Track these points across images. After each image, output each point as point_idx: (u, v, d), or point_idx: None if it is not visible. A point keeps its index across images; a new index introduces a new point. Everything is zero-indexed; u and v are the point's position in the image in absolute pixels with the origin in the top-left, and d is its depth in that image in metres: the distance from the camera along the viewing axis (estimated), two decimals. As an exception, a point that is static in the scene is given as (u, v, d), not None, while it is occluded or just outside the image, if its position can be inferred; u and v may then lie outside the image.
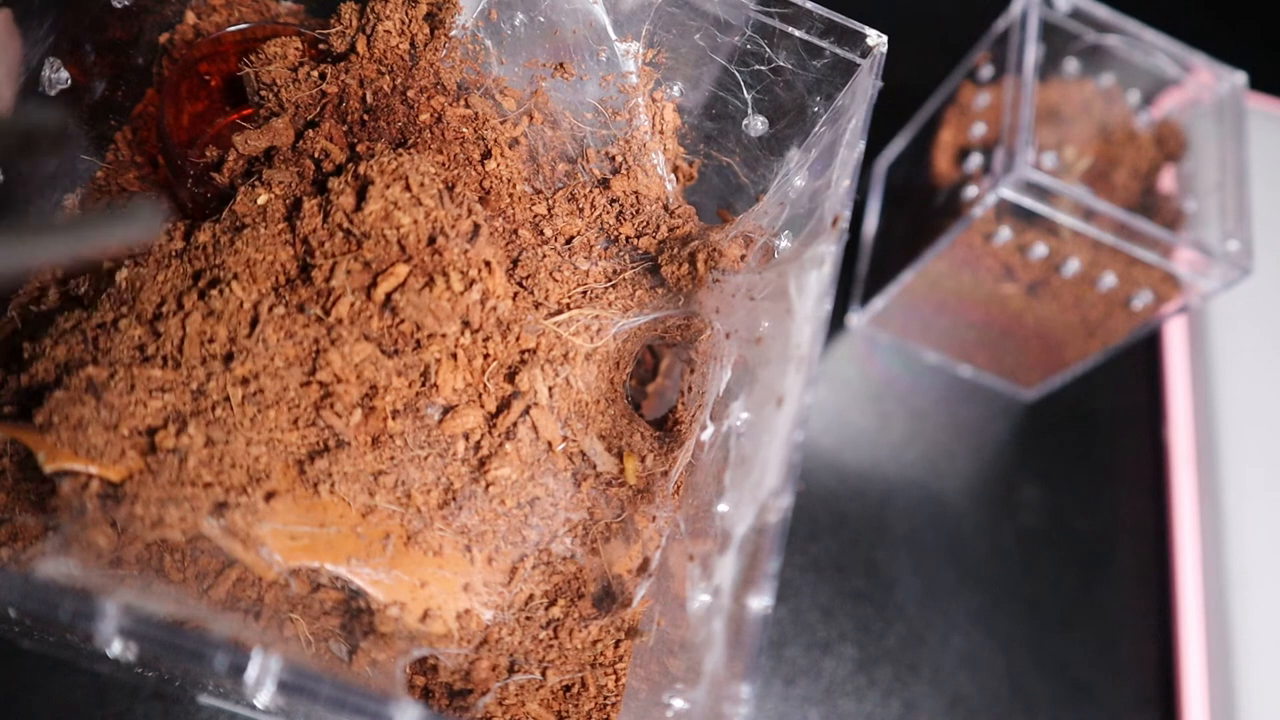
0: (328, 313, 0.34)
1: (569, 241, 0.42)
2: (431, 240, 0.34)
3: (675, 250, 0.41)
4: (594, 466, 0.39)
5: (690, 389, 0.43)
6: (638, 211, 0.42)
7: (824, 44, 0.40)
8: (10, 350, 0.37)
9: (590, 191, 0.42)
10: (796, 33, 0.40)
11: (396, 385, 0.34)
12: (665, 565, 0.38)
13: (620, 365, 0.41)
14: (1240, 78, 0.62)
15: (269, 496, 0.32)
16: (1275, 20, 0.97)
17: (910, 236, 0.65)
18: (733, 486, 0.34)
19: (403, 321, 0.34)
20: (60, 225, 0.32)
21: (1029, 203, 0.55)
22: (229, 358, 0.33)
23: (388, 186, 0.34)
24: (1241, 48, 0.74)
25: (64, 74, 0.38)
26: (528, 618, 0.36)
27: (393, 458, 0.35)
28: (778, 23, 0.40)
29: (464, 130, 0.40)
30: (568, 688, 0.37)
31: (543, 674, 0.36)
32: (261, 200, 0.36)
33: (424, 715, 0.26)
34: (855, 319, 0.71)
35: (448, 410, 0.36)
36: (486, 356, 0.36)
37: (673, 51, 0.42)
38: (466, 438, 0.36)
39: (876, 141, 0.75)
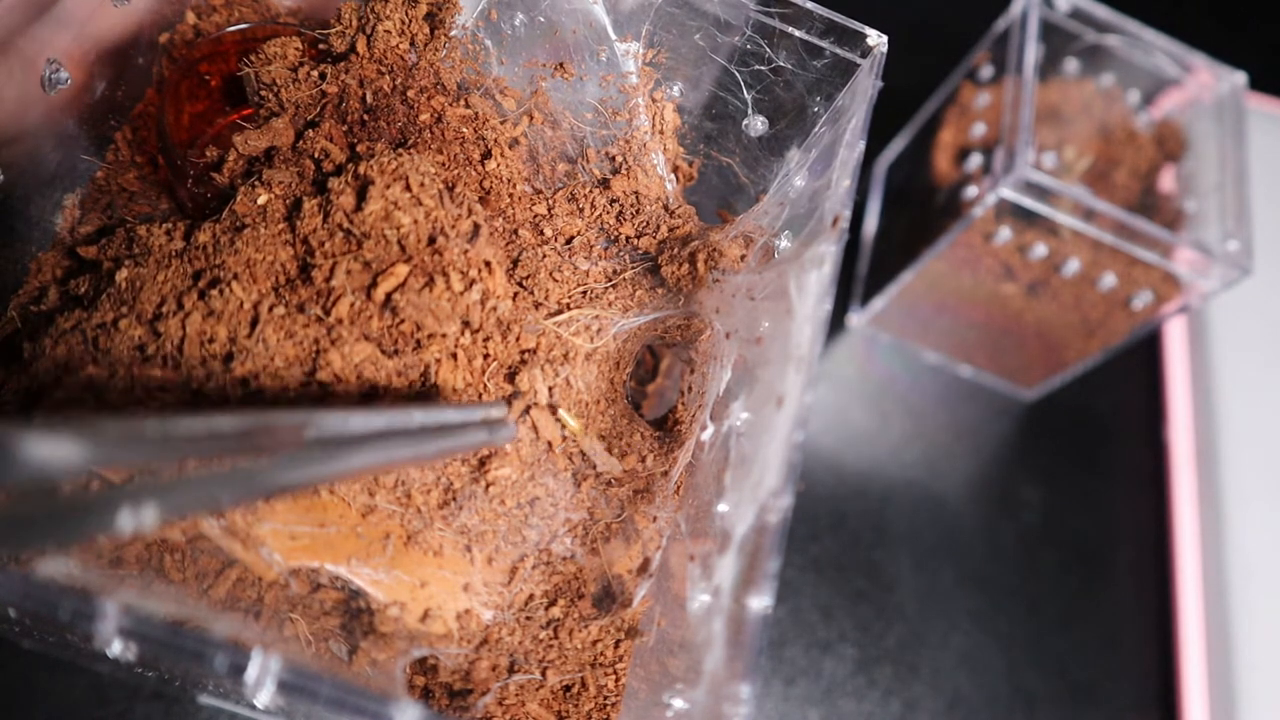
0: (328, 313, 0.34)
1: (569, 241, 0.42)
2: (431, 240, 0.34)
3: (675, 250, 0.41)
4: (594, 466, 0.39)
5: (690, 389, 0.43)
6: (638, 211, 0.42)
7: (824, 44, 0.40)
8: (10, 350, 0.37)
9: (590, 191, 0.42)
10: (796, 33, 0.40)
11: (396, 385, 0.34)
12: (665, 565, 0.38)
13: (620, 365, 0.41)
14: (1240, 78, 0.62)
15: (269, 496, 0.32)
16: (1275, 20, 0.97)
17: (910, 236, 0.65)
18: (733, 486, 0.34)
19: (403, 321, 0.34)
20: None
21: (1029, 203, 0.55)
22: (229, 358, 0.33)
23: (388, 186, 0.34)
24: (1241, 48, 0.74)
25: (64, 74, 0.38)
26: (528, 618, 0.36)
27: (393, 458, 0.35)
28: (778, 23, 0.40)
29: (464, 130, 0.40)
30: (568, 688, 0.37)
31: (543, 674, 0.36)
32: (261, 200, 0.36)
33: (424, 715, 0.26)
34: (855, 319, 0.71)
35: (448, 410, 0.36)
36: (486, 356, 0.36)
37: (673, 51, 0.42)
38: (466, 438, 0.36)
39: (876, 141, 0.75)
